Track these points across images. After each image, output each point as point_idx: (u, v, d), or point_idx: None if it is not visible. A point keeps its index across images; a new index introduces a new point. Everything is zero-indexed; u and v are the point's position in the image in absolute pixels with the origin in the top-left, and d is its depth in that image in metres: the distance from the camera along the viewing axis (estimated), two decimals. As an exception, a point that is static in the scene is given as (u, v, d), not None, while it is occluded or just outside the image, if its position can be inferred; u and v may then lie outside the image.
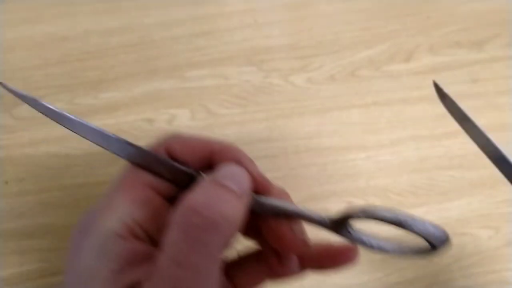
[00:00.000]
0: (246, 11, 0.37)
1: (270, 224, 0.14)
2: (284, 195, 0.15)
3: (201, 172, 0.14)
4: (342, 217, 0.14)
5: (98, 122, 0.31)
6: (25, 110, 0.32)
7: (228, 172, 0.12)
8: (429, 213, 0.28)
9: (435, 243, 0.14)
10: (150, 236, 0.12)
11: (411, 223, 0.13)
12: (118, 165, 0.29)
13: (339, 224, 0.15)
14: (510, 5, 0.38)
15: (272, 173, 0.29)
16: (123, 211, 0.12)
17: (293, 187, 0.28)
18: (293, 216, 0.14)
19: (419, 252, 0.15)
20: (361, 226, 0.16)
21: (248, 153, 0.30)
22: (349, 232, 0.15)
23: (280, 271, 0.15)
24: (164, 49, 0.35)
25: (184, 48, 0.35)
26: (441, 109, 0.31)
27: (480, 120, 0.31)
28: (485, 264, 0.27)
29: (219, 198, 0.11)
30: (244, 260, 0.16)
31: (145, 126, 0.31)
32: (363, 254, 0.26)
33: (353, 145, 0.30)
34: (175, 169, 0.14)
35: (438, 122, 0.31)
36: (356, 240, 0.15)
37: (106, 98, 0.32)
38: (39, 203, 0.28)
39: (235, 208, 0.11)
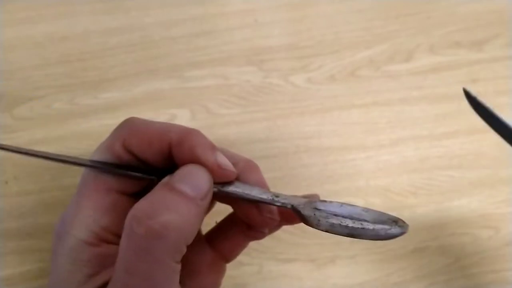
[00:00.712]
0: (246, 11, 0.37)
1: (238, 205, 0.14)
2: (252, 170, 0.15)
3: (154, 179, 0.13)
4: (302, 205, 0.15)
5: (98, 122, 0.31)
6: (25, 110, 0.32)
7: (184, 174, 0.12)
8: (429, 213, 0.28)
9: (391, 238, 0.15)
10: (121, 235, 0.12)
11: (362, 233, 0.14)
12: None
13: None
14: (510, 5, 0.38)
15: (272, 173, 0.29)
16: (88, 220, 0.12)
17: (293, 187, 0.28)
18: (258, 202, 0.15)
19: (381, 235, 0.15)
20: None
21: (248, 153, 0.30)
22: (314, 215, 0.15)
23: (252, 235, 0.16)
24: (164, 49, 0.35)
25: (184, 48, 0.35)
26: (440, 109, 0.31)
27: (481, 121, 0.31)
28: (485, 264, 0.27)
29: (166, 205, 0.11)
30: (222, 225, 0.17)
31: (145, 126, 0.31)
32: (363, 254, 0.26)
33: (353, 145, 0.30)
34: (132, 176, 0.13)
35: (438, 122, 0.31)
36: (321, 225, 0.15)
37: (106, 98, 0.32)
38: (39, 203, 0.28)
39: (184, 215, 0.11)
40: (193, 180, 0.12)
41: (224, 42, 0.35)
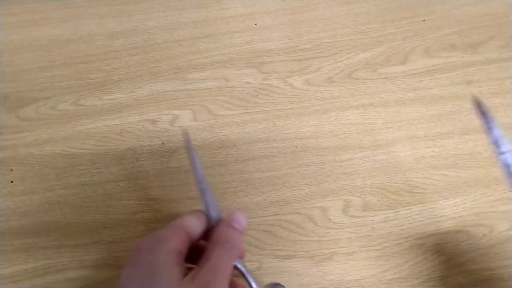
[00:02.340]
0: (246, 15, 0.38)
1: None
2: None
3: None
4: None
5: (103, 122, 0.32)
6: (31, 111, 0.33)
7: (234, 217, 0.21)
8: (424, 211, 0.28)
9: None
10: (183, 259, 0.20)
11: None
12: (121, 165, 0.30)
13: None
14: (504, 8, 0.38)
15: (271, 173, 0.30)
16: (172, 246, 0.19)
17: (292, 186, 0.29)
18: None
19: None
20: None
21: (248, 153, 0.30)
22: None
23: None
24: (166, 51, 0.36)
25: (186, 50, 0.36)
26: (435, 110, 0.32)
27: (475, 121, 0.31)
28: (480, 261, 0.27)
29: (232, 234, 0.20)
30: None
31: (149, 126, 0.32)
32: (360, 251, 0.26)
33: (350, 145, 0.30)
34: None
35: (433, 123, 0.31)
36: None
37: (110, 100, 0.33)
38: (44, 202, 0.29)
39: (239, 239, 0.21)
40: (239, 221, 0.21)
41: (225, 45, 0.36)
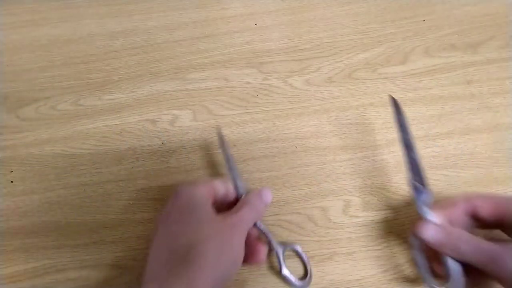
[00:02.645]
0: (246, 15, 0.38)
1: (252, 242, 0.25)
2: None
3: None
4: None
5: (103, 122, 0.32)
6: (31, 111, 0.33)
7: (263, 191, 0.25)
8: (425, 211, 0.28)
9: None
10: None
11: None
12: (121, 165, 0.30)
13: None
14: (504, 8, 0.38)
15: (271, 172, 0.30)
16: (205, 193, 0.23)
17: (292, 186, 0.29)
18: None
19: None
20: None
21: (248, 153, 0.30)
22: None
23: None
24: (166, 51, 0.36)
25: (186, 50, 0.36)
26: (435, 110, 0.32)
27: (475, 121, 0.31)
28: (480, 261, 0.27)
29: (258, 201, 0.25)
30: None
31: (149, 126, 0.32)
32: (360, 251, 0.26)
33: (350, 145, 0.30)
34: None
35: (433, 123, 0.31)
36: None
37: (110, 100, 0.33)
38: (44, 202, 0.29)
39: (263, 208, 0.25)
40: (267, 194, 0.25)
41: (225, 45, 0.36)
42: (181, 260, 0.20)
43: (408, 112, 0.32)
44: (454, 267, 0.22)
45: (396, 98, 0.26)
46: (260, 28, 0.37)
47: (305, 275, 0.26)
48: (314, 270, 0.26)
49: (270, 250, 0.25)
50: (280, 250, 0.25)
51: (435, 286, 0.22)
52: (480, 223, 0.23)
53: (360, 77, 0.34)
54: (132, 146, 0.31)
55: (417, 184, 0.24)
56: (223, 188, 0.25)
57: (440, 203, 0.23)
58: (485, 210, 0.22)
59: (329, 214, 0.28)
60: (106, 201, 0.28)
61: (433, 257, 0.23)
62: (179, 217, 0.22)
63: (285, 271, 0.25)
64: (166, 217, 0.22)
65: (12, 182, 0.30)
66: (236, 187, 0.26)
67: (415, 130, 0.31)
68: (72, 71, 0.35)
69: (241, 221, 0.22)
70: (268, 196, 0.25)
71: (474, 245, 0.21)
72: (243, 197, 0.25)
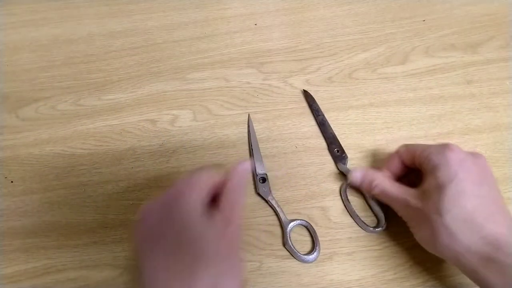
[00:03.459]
0: (246, 15, 0.38)
1: None
2: None
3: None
4: None
5: (103, 122, 0.32)
6: (31, 111, 0.33)
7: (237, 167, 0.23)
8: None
9: None
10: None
11: None
12: (121, 165, 0.30)
13: None
14: (504, 8, 0.38)
15: (271, 172, 0.30)
16: (202, 193, 0.22)
17: (292, 186, 0.29)
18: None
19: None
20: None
21: (248, 153, 0.30)
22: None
23: None
24: (166, 51, 0.36)
25: (186, 50, 0.36)
26: (435, 110, 0.32)
27: (475, 121, 0.31)
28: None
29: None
30: None
31: (149, 126, 0.32)
32: (360, 251, 0.26)
33: (350, 145, 0.30)
34: None
35: (433, 123, 0.31)
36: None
37: (110, 100, 0.33)
38: (44, 202, 0.29)
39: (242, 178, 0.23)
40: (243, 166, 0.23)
41: (225, 45, 0.36)
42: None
43: (408, 112, 0.32)
44: (377, 209, 0.27)
45: (307, 90, 0.32)
46: (260, 28, 0.37)
47: (312, 249, 0.26)
48: (314, 270, 0.26)
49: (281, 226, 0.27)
50: (287, 225, 0.26)
51: (370, 227, 0.27)
52: (410, 168, 0.26)
53: (360, 77, 0.34)
54: (132, 146, 0.31)
55: (337, 151, 0.29)
56: (220, 176, 0.23)
57: (385, 160, 0.27)
58: (405, 157, 0.26)
59: (329, 214, 0.28)
60: (106, 201, 0.28)
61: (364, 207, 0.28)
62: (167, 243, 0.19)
63: (290, 244, 0.26)
64: (153, 243, 0.20)
65: (12, 182, 0.30)
66: (256, 167, 0.28)
67: (415, 130, 0.31)
68: (72, 71, 0.35)
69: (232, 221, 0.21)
70: (245, 166, 0.23)
71: (383, 179, 0.25)
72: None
